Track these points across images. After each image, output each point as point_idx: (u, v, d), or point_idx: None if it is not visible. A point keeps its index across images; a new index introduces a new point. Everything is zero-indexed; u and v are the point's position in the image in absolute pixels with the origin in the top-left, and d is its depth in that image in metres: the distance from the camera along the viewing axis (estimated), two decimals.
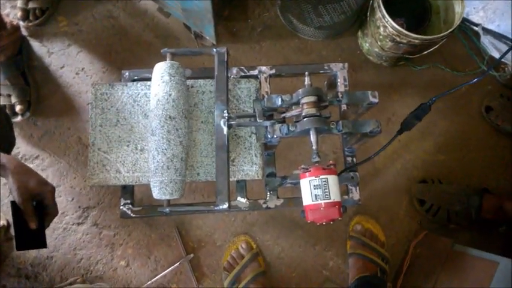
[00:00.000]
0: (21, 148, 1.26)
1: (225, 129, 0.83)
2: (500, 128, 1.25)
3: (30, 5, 1.30)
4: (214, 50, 0.88)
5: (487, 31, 1.25)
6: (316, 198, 0.69)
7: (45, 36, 1.33)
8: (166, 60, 0.87)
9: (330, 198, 0.69)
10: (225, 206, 0.81)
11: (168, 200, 0.83)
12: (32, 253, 1.20)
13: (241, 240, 1.19)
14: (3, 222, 1.19)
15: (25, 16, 1.30)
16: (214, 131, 0.87)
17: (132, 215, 0.91)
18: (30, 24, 1.31)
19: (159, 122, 0.81)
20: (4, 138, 0.96)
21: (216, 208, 0.81)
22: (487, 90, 1.31)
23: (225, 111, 0.84)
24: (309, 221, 0.71)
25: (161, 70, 0.84)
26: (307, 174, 0.71)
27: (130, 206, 0.92)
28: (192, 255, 1.20)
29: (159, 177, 0.80)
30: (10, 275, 1.19)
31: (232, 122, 0.84)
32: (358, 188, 0.94)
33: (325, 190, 0.69)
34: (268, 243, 1.22)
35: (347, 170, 0.91)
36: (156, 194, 0.81)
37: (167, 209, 0.83)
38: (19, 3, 1.31)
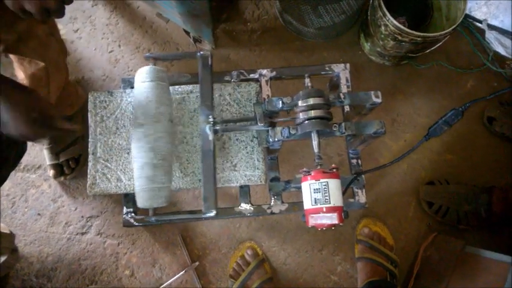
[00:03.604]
0: (23, 158, 1.25)
1: (211, 134, 0.82)
2: (506, 136, 1.23)
3: (62, 158, 1.18)
4: (198, 53, 0.87)
5: (492, 27, 1.23)
6: (316, 202, 0.68)
7: None
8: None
9: (329, 203, 0.67)
10: (212, 213, 0.79)
11: (154, 209, 0.81)
12: (36, 265, 1.19)
13: (247, 247, 1.17)
14: (6, 233, 1.18)
15: (59, 172, 1.19)
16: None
17: (135, 223, 0.90)
18: (67, 178, 1.20)
19: (132, 130, 0.80)
20: (14, 144, 0.95)
21: (203, 216, 0.79)
22: (493, 87, 1.29)
23: (210, 116, 0.82)
24: (309, 226, 0.69)
25: (137, 77, 0.84)
26: (307, 177, 0.69)
27: (133, 214, 0.91)
28: (197, 263, 1.18)
29: (137, 186, 0.79)
30: (15, 287, 1.18)
31: (218, 127, 0.82)
32: (364, 190, 0.93)
33: (325, 194, 0.67)
34: (274, 249, 1.20)
35: (351, 183, 0.88)
36: (140, 202, 0.79)
37: (152, 218, 0.82)
38: (48, 160, 1.19)
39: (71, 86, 1.16)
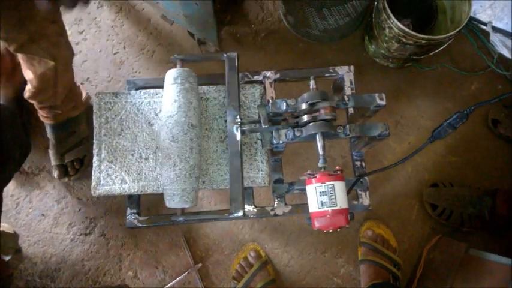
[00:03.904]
0: (28, 159, 1.26)
1: (238, 135, 0.82)
2: (510, 139, 1.22)
3: (67, 159, 1.19)
4: (225, 55, 0.87)
5: (496, 29, 1.22)
6: (322, 205, 0.68)
7: None
8: (176, 67, 0.86)
9: (336, 206, 0.67)
10: (240, 213, 0.79)
11: (182, 209, 0.82)
12: (40, 265, 1.20)
13: (250, 249, 1.17)
14: (10, 233, 1.18)
15: (63, 173, 1.20)
16: (224, 138, 0.86)
17: (138, 224, 0.90)
18: (71, 179, 1.21)
19: (181, 129, 0.80)
20: (19, 144, 0.96)
21: (230, 216, 0.79)
22: (498, 90, 1.29)
23: (238, 117, 0.82)
24: (315, 229, 0.69)
25: (180, 76, 0.83)
26: (313, 180, 0.69)
27: (136, 215, 0.91)
28: (200, 264, 1.18)
29: (181, 185, 0.79)
30: (18, 287, 1.18)
31: (245, 128, 0.82)
32: (367, 192, 0.92)
33: (332, 197, 0.67)
34: (277, 251, 1.20)
35: (355, 184, 0.88)
36: (177, 202, 0.80)
37: (181, 218, 0.82)
38: (53, 161, 1.19)
39: (76, 88, 1.16)
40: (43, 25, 0.84)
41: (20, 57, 0.93)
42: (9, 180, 1.05)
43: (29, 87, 1.00)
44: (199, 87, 0.92)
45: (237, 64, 0.87)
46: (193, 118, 0.81)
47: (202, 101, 0.91)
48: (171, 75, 0.84)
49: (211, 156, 0.89)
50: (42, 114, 1.11)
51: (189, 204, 0.80)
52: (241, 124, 0.82)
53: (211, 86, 0.93)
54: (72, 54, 1.02)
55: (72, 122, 1.16)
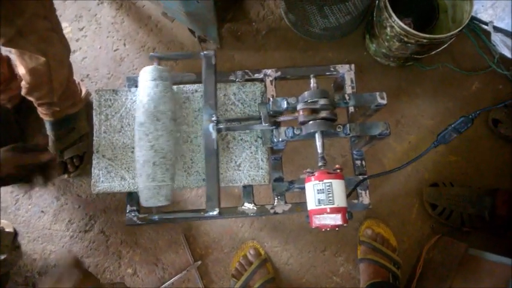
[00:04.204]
0: None
1: (214, 133, 0.82)
2: (511, 139, 1.22)
3: (66, 156, 1.19)
4: (202, 53, 0.88)
5: (498, 29, 1.22)
6: (319, 203, 0.68)
7: None
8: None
9: (333, 204, 0.67)
10: (215, 212, 0.79)
11: (157, 207, 0.82)
12: (40, 261, 1.20)
13: (249, 247, 1.17)
14: (9, 231, 1.18)
15: (62, 170, 1.20)
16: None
17: (138, 221, 0.90)
18: (71, 176, 1.21)
19: (134, 129, 0.81)
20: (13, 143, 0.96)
21: (206, 215, 0.80)
22: (498, 90, 1.28)
23: (214, 115, 0.83)
24: (313, 227, 0.69)
25: (141, 77, 0.85)
26: (311, 178, 0.69)
27: (136, 212, 0.91)
28: (199, 262, 1.18)
29: (139, 184, 0.80)
30: (18, 283, 1.18)
31: (221, 126, 0.82)
32: (368, 191, 0.92)
33: (329, 195, 0.67)
34: (276, 249, 1.20)
35: (358, 186, 0.88)
36: (147, 200, 0.80)
37: (155, 217, 0.82)
38: None
39: (74, 85, 1.16)
40: (32, 20, 0.83)
41: (13, 52, 0.93)
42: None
43: (23, 83, 0.99)
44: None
45: (214, 62, 0.87)
46: (141, 116, 0.81)
47: (202, 99, 0.91)
48: (141, 74, 0.85)
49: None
50: (41, 111, 1.11)
51: (144, 203, 0.80)
52: (218, 122, 0.82)
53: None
54: (67, 50, 1.02)
55: (72, 118, 1.16)
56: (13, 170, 0.85)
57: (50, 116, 1.12)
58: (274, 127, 0.79)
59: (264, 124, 0.79)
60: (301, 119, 0.74)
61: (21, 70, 0.96)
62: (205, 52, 0.87)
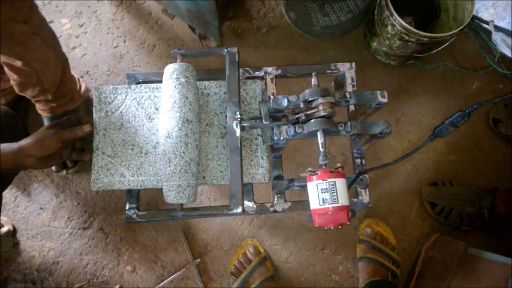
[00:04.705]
0: None
1: (238, 131, 0.81)
2: (511, 138, 1.22)
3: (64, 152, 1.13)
4: (225, 50, 0.87)
5: (498, 28, 1.22)
6: (323, 202, 0.67)
7: None
8: (176, 61, 0.86)
9: (338, 202, 0.67)
10: (239, 209, 0.79)
11: (181, 205, 0.81)
12: (38, 259, 1.20)
13: (249, 244, 1.17)
14: (8, 228, 1.18)
15: (61, 166, 1.18)
16: (224, 134, 0.86)
17: (137, 219, 0.90)
18: (69, 172, 1.20)
19: (176, 124, 0.80)
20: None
21: (230, 212, 0.79)
22: (499, 89, 1.28)
23: (237, 113, 0.82)
24: (316, 226, 0.69)
25: (176, 71, 0.83)
26: (314, 177, 0.69)
27: (135, 210, 0.90)
28: (199, 259, 1.18)
29: (176, 181, 0.79)
30: (16, 280, 1.18)
31: (245, 124, 0.82)
32: (367, 190, 0.92)
33: (333, 194, 0.67)
34: (276, 247, 1.20)
35: (355, 181, 0.88)
36: (172, 198, 0.80)
37: (180, 214, 0.82)
38: None
39: (72, 81, 1.15)
40: (7, 25, 0.81)
41: None
42: (8, 184, 1.05)
43: (12, 81, 0.98)
44: (200, 82, 0.92)
45: (237, 59, 0.86)
46: (189, 113, 0.81)
47: (203, 96, 0.91)
48: (168, 70, 0.84)
49: (212, 151, 0.88)
50: (38, 107, 1.11)
51: (185, 200, 0.80)
52: (241, 120, 0.81)
53: (212, 81, 0.92)
54: (53, 52, 0.97)
55: (70, 114, 1.15)
56: (60, 144, 0.87)
57: (47, 111, 1.11)
58: (275, 126, 0.78)
59: (264, 122, 0.79)
60: (302, 117, 0.74)
61: (6, 70, 0.94)
62: (229, 49, 0.87)
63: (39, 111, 1.13)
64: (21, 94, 1.03)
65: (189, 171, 0.79)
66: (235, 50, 0.87)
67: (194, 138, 0.81)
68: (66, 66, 1.07)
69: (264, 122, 0.80)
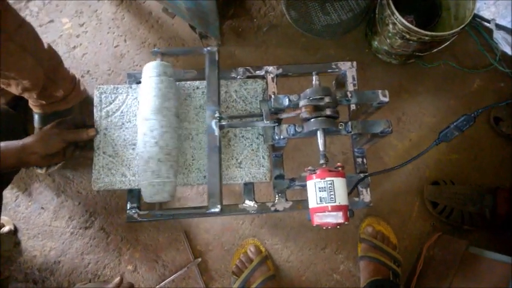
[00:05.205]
0: None
1: (217, 130, 0.82)
2: None
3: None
4: (205, 49, 0.87)
5: (500, 27, 1.22)
6: (321, 201, 0.67)
7: (49, 38, 1.33)
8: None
9: (335, 202, 0.66)
10: (217, 209, 0.79)
11: (160, 203, 0.82)
12: (39, 258, 1.20)
13: (250, 244, 1.17)
14: (9, 227, 1.18)
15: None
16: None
17: (138, 218, 0.90)
18: (48, 171, 1.19)
19: (137, 124, 0.81)
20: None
21: (208, 212, 0.79)
22: (500, 87, 1.28)
23: (217, 112, 0.83)
24: (314, 225, 0.69)
25: (144, 72, 0.84)
26: (313, 176, 0.69)
27: (136, 209, 0.90)
28: (200, 259, 1.18)
29: (143, 180, 0.79)
30: (18, 280, 1.18)
31: (224, 123, 0.82)
32: (369, 189, 0.92)
33: (331, 193, 0.67)
34: (277, 246, 1.20)
35: (359, 183, 0.88)
36: (148, 197, 0.80)
37: (158, 213, 0.82)
38: None
39: (64, 81, 1.10)
40: None
41: None
42: (8, 183, 1.05)
43: None
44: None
45: (217, 58, 0.87)
46: (147, 111, 0.80)
47: (203, 96, 0.91)
48: (145, 69, 0.84)
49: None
50: (30, 102, 1.10)
51: (147, 199, 0.80)
52: (220, 119, 0.82)
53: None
54: (32, 56, 0.94)
55: (62, 115, 1.12)
56: (64, 144, 0.87)
57: (38, 108, 1.10)
58: (275, 124, 0.79)
59: (265, 121, 0.79)
60: (303, 116, 0.74)
61: None
62: (208, 48, 0.87)
63: (31, 107, 1.11)
64: (7, 89, 1.02)
65: (148, 170, 0.78)
66: (215, 49, 0.87)
67: (151, 136, 0.79)
68: (57, 67, 1.06)
69: (266, 121, 0.80)
